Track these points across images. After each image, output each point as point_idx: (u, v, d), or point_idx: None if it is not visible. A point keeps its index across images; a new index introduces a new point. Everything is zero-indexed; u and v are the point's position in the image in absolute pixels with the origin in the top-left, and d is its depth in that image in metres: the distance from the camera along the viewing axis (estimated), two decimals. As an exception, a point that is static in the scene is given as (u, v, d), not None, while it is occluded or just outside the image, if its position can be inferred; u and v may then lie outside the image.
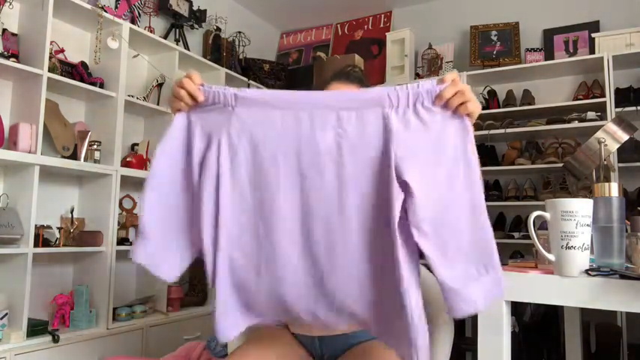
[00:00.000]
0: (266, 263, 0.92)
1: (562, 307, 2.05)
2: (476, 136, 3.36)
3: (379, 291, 0.89)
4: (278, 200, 0.90)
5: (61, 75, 2.34)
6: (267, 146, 0.90)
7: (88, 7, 2.44)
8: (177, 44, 3.05)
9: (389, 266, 0.86)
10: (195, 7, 3.28)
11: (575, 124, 2.95)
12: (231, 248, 0.92)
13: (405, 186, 0.85)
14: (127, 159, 2.64)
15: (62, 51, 2.48)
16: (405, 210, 0.85)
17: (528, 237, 1.01)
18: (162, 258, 0.95)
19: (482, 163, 3.30)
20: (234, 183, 0.91)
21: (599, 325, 2.56)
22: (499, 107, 3.26)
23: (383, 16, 3.98)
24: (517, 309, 2.56)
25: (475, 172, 0.89)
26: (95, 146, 2.44)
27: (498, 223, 3.22)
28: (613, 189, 1.07)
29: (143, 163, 2.70)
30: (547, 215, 0.98)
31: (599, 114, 2.92)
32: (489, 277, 0.86)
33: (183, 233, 0.96)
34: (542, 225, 1.06)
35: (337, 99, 0.90)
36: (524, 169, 3.11)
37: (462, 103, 0.88)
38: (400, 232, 0.84)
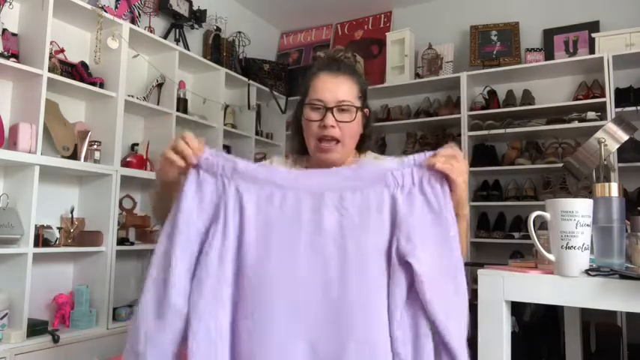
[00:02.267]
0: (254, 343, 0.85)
1: (562, 307, 2.05)
2: (476, 136, 3.35)
3: None
4: (272, 286, 0.85)
5: (61, 75, 2.34)
6: (265, 226, 0.87)
7: (88, 7, 2.44)
8: (177, 44, 3.05)
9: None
10: (195, 7, 3.28)
11: (575, 124, 2.95)
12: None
13: (408, 267, 0.84)
14: (127, 159, 2.64)
15: (62, 51, 2.48)
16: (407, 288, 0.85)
17: (528, 237, 1.01)
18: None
19: (483, 163, 3.31)
20: (226, 261, 0.87)
21: (599, 325, 2.56)
22: (499, 107, 3.25)
23: (383, 16, 3.98)
24: (517, 309, 2.56)
25: (452, 246, 0.87)
26: (95, 146, 2.44)
27: (498, 223, 3.22)
28: (613, 189, 1.07)
29: (143, 163, 2.70)
30: (547, 215, 0.98)
31: (599, 114, 2.92)
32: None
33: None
34: (542, 225, 1.06)
35: (340, 179, 0.89)
36: (524, 169, 3.11)
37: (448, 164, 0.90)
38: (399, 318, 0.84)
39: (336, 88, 1.18)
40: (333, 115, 1.16)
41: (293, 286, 0.86)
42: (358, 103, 1.21)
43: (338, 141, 1.17)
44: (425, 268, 0.83)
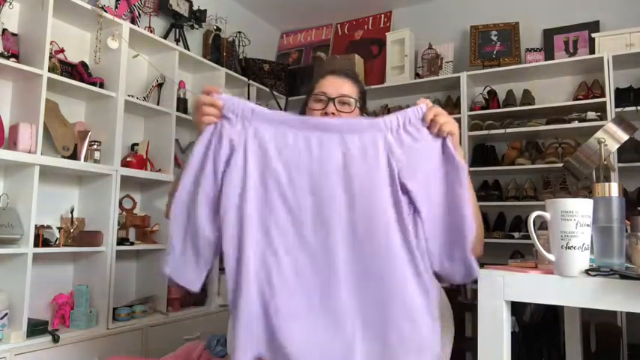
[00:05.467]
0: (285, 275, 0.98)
1: (562, 307, 2.05)
2: (476, 136, 3.34)
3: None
4: (297, 213, 0.99)
5: (61, 75, 2.34)
6: (280, 162, 1.00)
7: (88, 7, 2.44)
8: (177, 44, 3.05)
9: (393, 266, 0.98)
10: (195, 7, 3.28)
11: (575, 124, 2.95)
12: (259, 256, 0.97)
13: (406, 191, 0.99)
14: (127, 159, 2.64)
15: (62, 51, 2.48)
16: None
17: (528, 237, 1.01)
18: (185, 270, 1.00)
19: (483, 163, 3.30)
20: (251, 192, 0.98)
21: (599, 325, 2.56)
22: (499, 107, 3.25)
23: (383, 16, 3.98)
24: (517, 309, 2.56)
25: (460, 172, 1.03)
26: (95, 146, 2.44)
27: (498, 223, 3.22)
28: (613, 189, 1.07)
29: (143, 163, 2.70)
30: (547, 215, 0.98)
31: (599, 114, 2.92)
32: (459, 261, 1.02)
33: (206, 247, 1.00)
34: (542, 225, 1.06)
35: (341, 125, 1.03)
36: (524, 169, 3.11)
37: (442, 126, 1.04)
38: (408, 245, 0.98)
39: (339, 86, 1.35)
40: (335, 105, 1.31)
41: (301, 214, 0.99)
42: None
43: None
44: (418, 188, 1.00)
